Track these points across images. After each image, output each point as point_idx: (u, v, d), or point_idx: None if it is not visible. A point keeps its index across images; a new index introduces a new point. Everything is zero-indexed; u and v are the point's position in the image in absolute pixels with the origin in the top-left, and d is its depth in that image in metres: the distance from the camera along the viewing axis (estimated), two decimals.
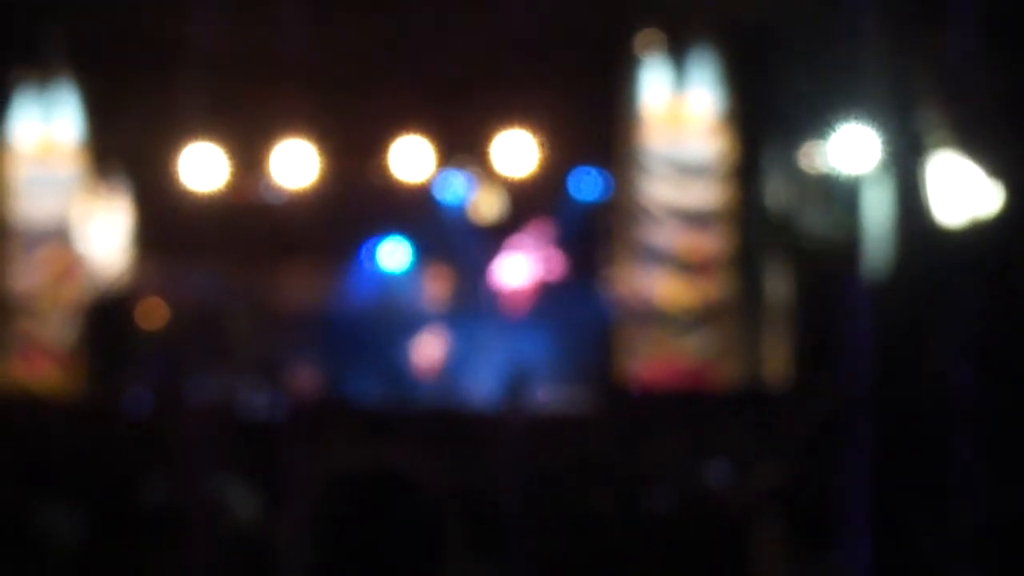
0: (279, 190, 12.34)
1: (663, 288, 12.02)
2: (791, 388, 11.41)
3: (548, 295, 12.84)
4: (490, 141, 12.26)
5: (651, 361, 12.01)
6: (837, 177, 10.38)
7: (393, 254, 13.16)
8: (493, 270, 12.95)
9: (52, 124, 12.32)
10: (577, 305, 12.66)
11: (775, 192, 11.94)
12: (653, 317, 12.02)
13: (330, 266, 13.19)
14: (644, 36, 12.15)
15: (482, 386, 12.14)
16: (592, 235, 12.72)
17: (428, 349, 12.73)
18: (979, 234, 7.99)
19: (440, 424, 10.42)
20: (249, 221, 12.33)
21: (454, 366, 12.63)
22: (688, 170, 12.05)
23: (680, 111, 12.11)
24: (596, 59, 12.04)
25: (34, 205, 12.27)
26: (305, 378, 12.49)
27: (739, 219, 12.05)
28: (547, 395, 11.86)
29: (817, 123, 10.64)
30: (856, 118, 9.93)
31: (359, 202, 12.54)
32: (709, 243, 12.02)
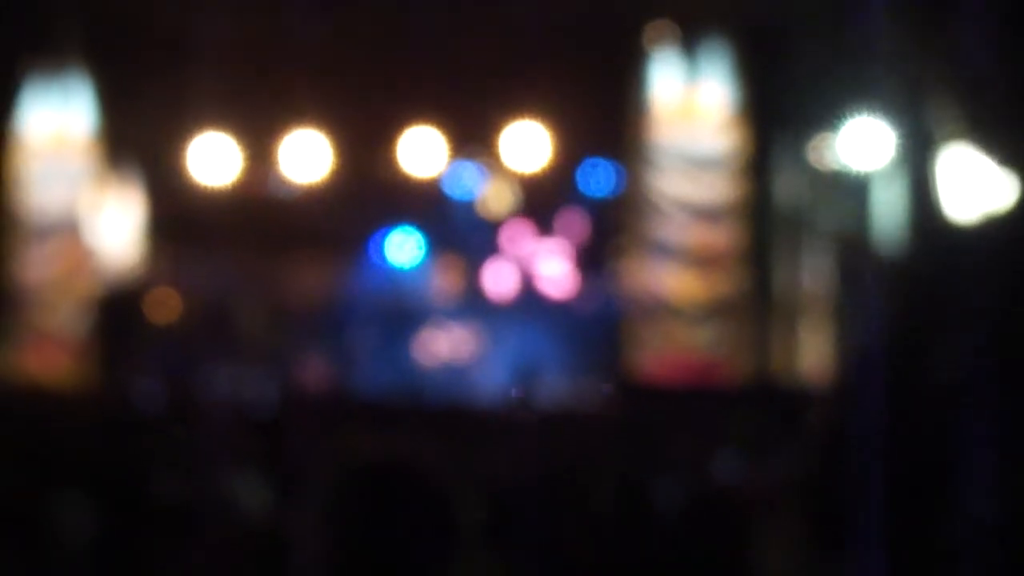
0: (290, 182, 12.34)
1: (674, 282, 12.00)
2: (803, 383, 11.39)
3: (558, 289, 12.83)
4: (501, 134, 12.25)
5: (661, 356, 11.99)
6: (849, 171, 10.35)
7: (403, 247, 13.16)
8: (503, 263, 12.94)
9: (65, 116, 12.33)
10: (588, 299, 12.65)
11: (787, 186, 11.92)
12: (664, 311, 12.00)
13: (341, 259, 13.19)
14: (656, 29, 12.12)
15: (492, 380, 12.13)
16: (603, 229, 12.71)
17: (438, 342, 12.72)
18: (994, 228, 7.96)
19: (451, 418, 10.41)
20: (261, 213, 12.33)
21: (464, 359, 12.63)
22: (700, 164, 12.03)
23: (692, 104, 12.08)
24: (608, 52, 12.01)
25: (46, 196, 12.27)
26: (316, 371, 12.49)
27: (750, 213, 12.03)
28: (557, 389, 11.85)
29: (829, 117, 10.62)
30: (868, 112, 9.90)
31: (370, 194, 12.54)
32: (720, 237, 12.00)
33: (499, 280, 12.96)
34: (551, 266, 12.89)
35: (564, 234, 12.91)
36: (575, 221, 12.86)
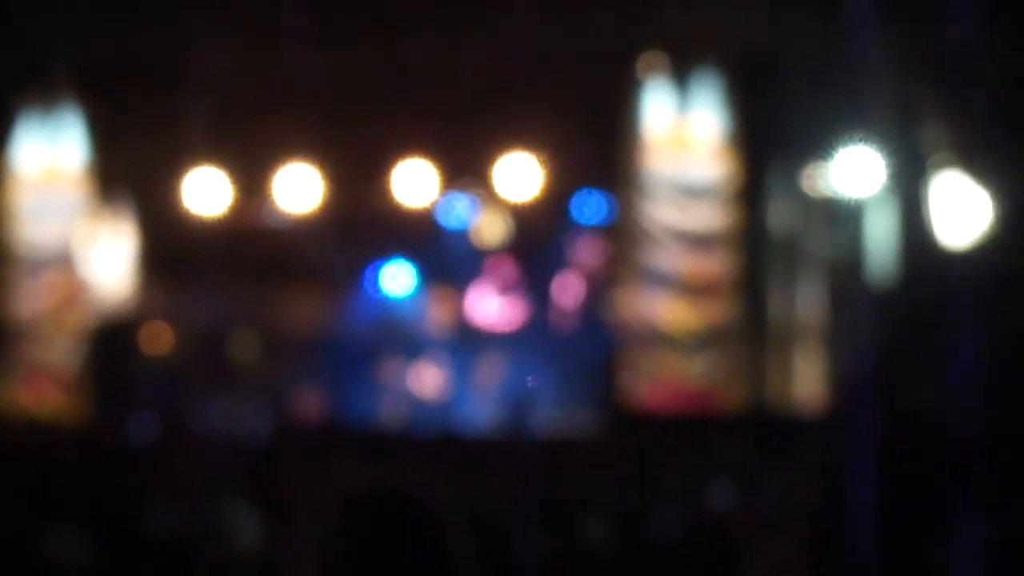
0: (283, 214, 12.35)
1: (667, 311, 12.01)
2: (797, 411, 11.40)
3: (552, 318, 12.84)
4: (494, 164, 12.27)
5: (655, 384, 11.99)
6: (841, 198, 10.38)
7: (397, 278, 13.16)
8: (496, 293, 12.95)
9: (57, 149, 12.34)
10: (581, 328, 12.65)
11: (779, 214, 11.94)
12: (657, 340, 12.01)
13: (334, 290, 13.19)
14: (648, 59, 12.17)
15: (486, 409, 12.13)
16: (595, 258, 12.73)
17: (432, 372, 12.72)
18: (984, 254, 7.99)
19: (445, 447, 10.42)
20: (253, 245, 12.34)
21: (458, 389, 12.63)
22: (692, 192, 12.05)
23: (684, 133, 12.11)
24: (600, 82, 12.05)
25: (39, 230, 12.27)
26: (309, 402, 12.48)
27: (743, 241, 12.05)
28: (551, 418, 11.85)
29: (820, 144, 10.65)
30: (859, 139, 9.93)
31: (363, 226, 12.56)
32: (713, 266, 12.02)
33: (492, 310, 12.97)
34: (540, 296, 12.90)
35: (556, 264, 12.91)
36: (567, 251, 12.87)
